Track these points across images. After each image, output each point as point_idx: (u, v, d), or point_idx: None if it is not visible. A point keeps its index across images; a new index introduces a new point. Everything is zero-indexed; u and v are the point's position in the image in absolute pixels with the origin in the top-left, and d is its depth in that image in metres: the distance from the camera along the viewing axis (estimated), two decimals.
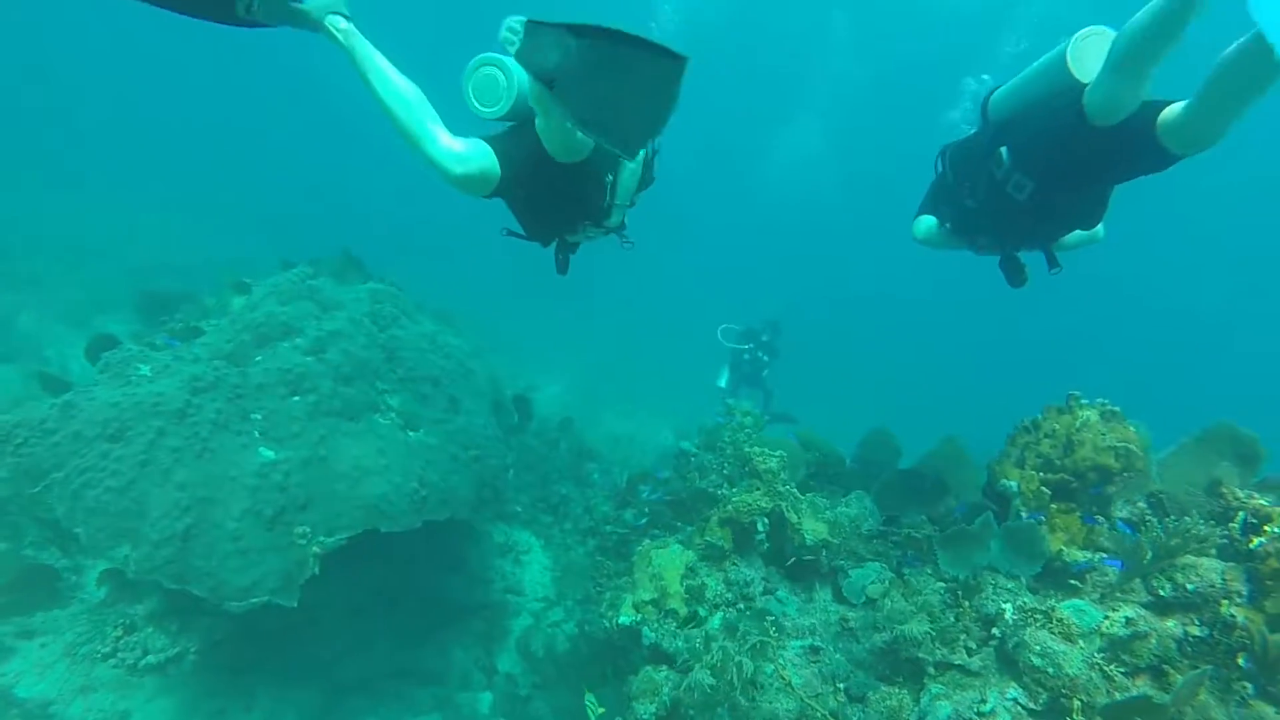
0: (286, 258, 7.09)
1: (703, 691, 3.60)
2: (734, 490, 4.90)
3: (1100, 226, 3.54)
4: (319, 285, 6.56)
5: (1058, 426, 4.62)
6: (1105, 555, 3.97)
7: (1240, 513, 3.45)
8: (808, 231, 31.95)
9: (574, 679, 6.89)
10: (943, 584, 4.10)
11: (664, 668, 4.24)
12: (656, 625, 4.47)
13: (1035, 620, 3.44)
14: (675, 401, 16.05)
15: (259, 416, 5.29)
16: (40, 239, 12.17)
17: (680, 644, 4.31)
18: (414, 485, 5.54)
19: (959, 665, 3.53)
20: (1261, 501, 3.45)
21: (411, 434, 5.98)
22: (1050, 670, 3.24)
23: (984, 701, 3.24)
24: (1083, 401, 4.71)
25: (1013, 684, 3.34)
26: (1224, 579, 3.34)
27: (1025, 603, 3.58)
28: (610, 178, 2.94)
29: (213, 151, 26.29)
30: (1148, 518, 3.89)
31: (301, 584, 4.84)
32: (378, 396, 5.97)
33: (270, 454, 5.12)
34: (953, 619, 3.73)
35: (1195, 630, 3.28)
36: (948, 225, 3.96)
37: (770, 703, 3.82)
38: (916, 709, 3.41)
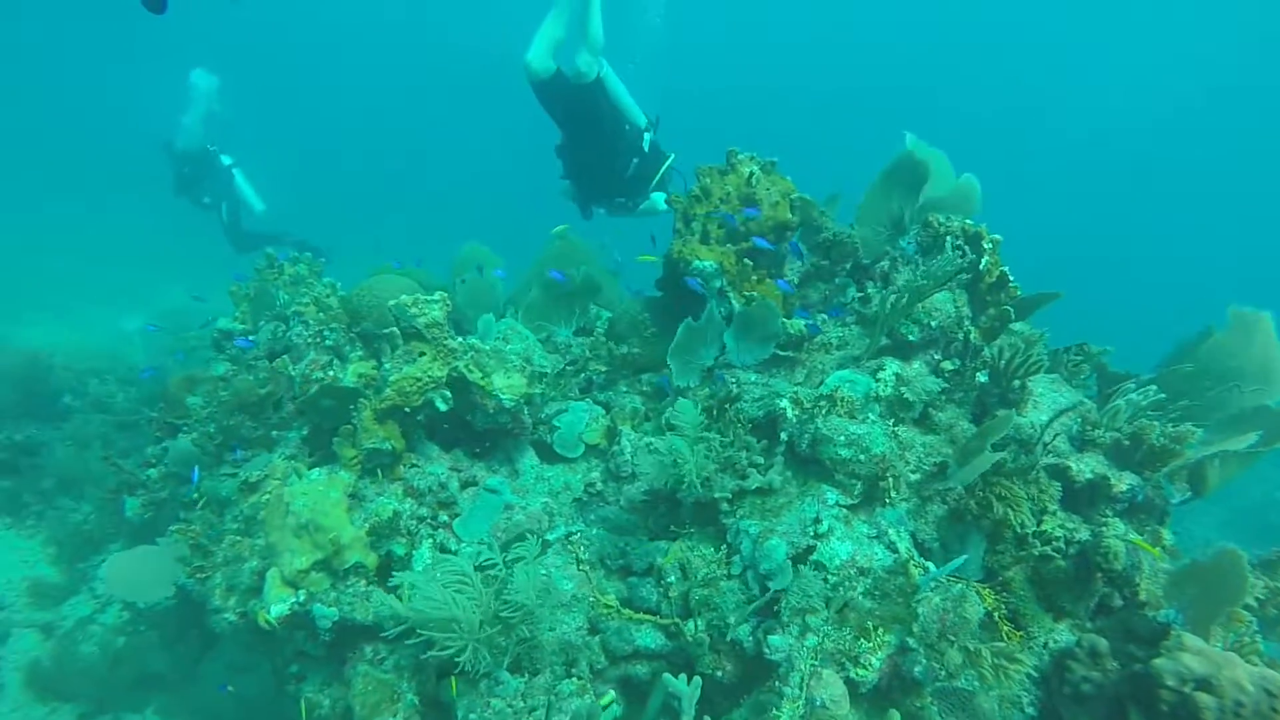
0: None
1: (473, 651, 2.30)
2: (389, 365, 3.28)
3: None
4: None
5: (730, 189, 4.08)
6: (823, 312, 3.68)
7: (948, 237, 3.36)
8: None
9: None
10: (691, 401, 3.36)
11: (384, 656, 2.75)
12: (335, 594, 2.86)
13: (821, 409, 2.93)
14: None
15: None
16: None
17: (387, 608, 2.82)
18: None
19: (755, 489, 2.88)
20: (967, 222, 3.40)
21: None
22: (861, 457, 2.80)
23: (818, 521, 2.66)
24: (740, 155, 4.23)
25: (825, 486, 2.83)
26: (956, 307, 3.26)
27: (799, 393, 3.04)
28: None
29: None
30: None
31: None
32: None
33: None
34: (717, 438, 3.01)
35: (947, 364, 3.17)
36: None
37: (551, 628, 2.74)
38: (739, 559, 2.70)
